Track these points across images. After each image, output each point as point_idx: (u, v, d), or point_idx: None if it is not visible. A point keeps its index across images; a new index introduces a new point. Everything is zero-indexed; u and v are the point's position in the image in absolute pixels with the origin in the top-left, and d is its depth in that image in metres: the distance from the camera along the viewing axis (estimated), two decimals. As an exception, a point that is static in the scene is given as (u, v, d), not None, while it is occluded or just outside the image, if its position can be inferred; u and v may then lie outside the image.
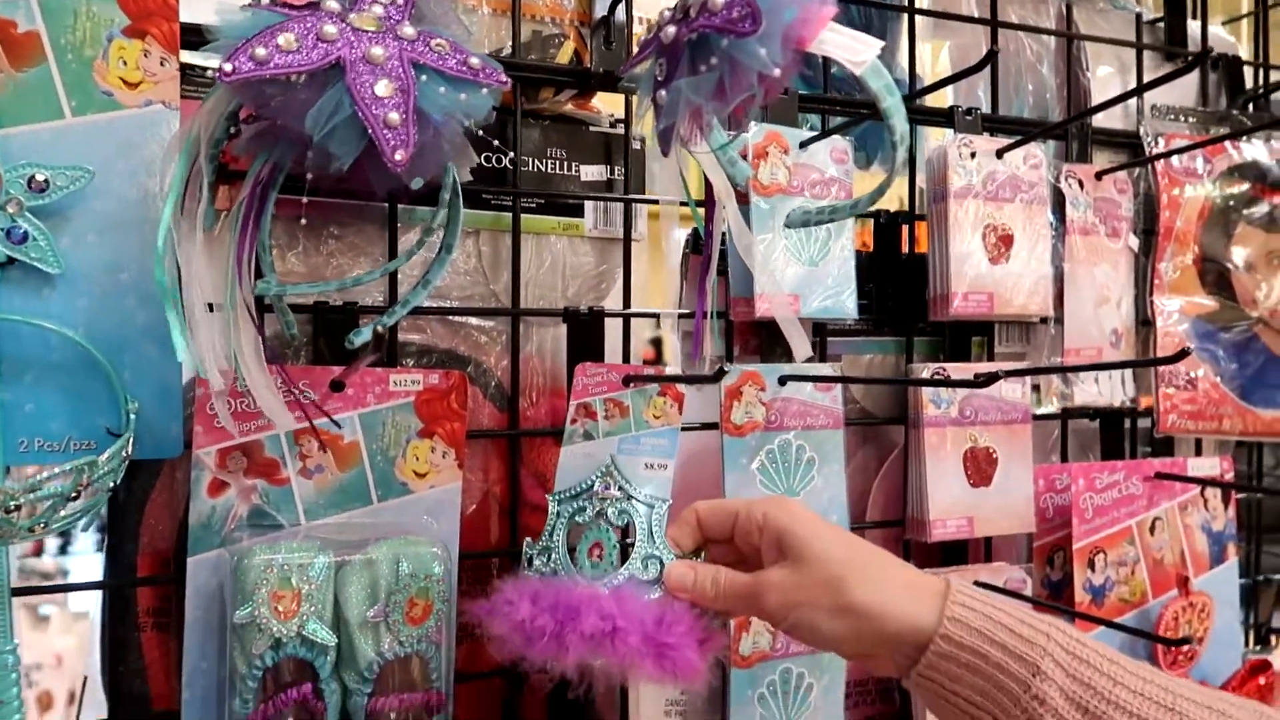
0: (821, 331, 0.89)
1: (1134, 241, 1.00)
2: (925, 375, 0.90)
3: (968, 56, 1.01)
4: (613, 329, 0.83)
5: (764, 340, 0.87)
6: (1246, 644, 1.09)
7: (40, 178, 0.61)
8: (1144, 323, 1.02)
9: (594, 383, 0.74)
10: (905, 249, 0.94)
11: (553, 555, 0.68)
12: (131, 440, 0.63)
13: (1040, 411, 0.98)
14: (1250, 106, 1.12)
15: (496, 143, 0.77)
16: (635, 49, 0.75)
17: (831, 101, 0.89)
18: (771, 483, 0.82)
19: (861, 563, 0.58)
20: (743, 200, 0.81)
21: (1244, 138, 1.05)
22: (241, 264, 0.62)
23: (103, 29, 0.64)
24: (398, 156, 0.55)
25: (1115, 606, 0.94)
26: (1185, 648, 0.95)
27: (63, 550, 3.01)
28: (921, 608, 0.55)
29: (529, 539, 0.70)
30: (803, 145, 0.84)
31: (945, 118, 0.93)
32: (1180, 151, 0.99)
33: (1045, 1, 1.04)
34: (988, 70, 0.98)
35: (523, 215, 0.79)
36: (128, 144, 0.65)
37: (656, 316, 0.83)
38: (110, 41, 0.64)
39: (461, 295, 0.79)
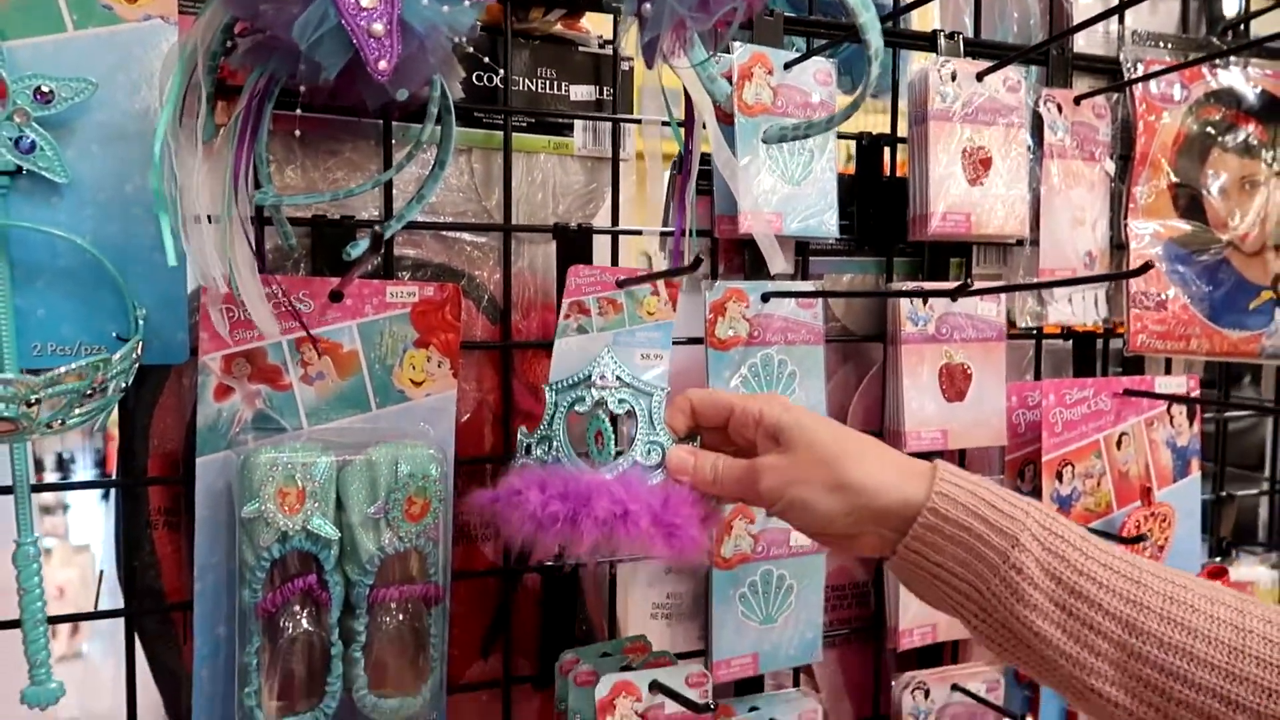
0: (803, 251, 0.92)
1: (1110, 166, 1.03)
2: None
3: (952, -19, 1.02)
4: (601, 247, 0.85)
5: (748, 259, 0.89)
6: (1206, 557, 1.14)
7: (45, 89, 0.63)
8: (1118, 246, 1.05)
9: (587, 283, 0.76)
10: (887, 172, 0.96)
11: (554, 444, 0.69)
12: (140, 344, 0.65)
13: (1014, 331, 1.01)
14: (1229, 34, 1.13)
15: (487, 60, 0.78)
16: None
17: (817, 24, 0.91)
18: (753, 392, 0.86)
19: (856, 446, 0.63)
20: (728, 120, 0.84)
21: (1222, 64, 1.06)
22: (239, 175, 0.65)
23: (100, -58, 0.66)
24: (381, 66, 0.57)
25: (1081, 516, 0.98)
26: (1146, 554, 1.00)
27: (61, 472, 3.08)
28: (911, 485, 0.60)
29: (523, 428, 0.72)
30: (787, 66, 0.86)
31: (929, 41, 0.95)
32: (1158, 75, 1.01)
33: (1030, -74, 1.05)
34: (971, -5, 1.00)
35: (514, 134, 0.81)
36: (128, 57, 0.67)
37: (642, 233, 0.85)
38: (108, -45, 0.66)
39: (455, 211, 0.81)
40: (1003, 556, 0.56)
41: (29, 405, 0.58)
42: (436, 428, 0.77)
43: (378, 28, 0.57)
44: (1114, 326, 1.06)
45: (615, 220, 0.85)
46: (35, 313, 0.66)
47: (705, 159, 0.83)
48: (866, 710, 0.99)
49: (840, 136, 0.91)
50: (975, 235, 0.94)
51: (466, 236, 0.82)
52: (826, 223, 0.88)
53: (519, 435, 0.72)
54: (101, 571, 0.76)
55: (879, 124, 1.00)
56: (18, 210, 0.64)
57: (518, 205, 0.83)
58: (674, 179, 0.88)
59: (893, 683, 0.95)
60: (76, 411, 0.62)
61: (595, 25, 0.87)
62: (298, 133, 0.69)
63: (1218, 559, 1.13)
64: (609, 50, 0.86)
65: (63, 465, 3.18)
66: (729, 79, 0.82)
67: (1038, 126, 0.98)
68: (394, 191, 0.77)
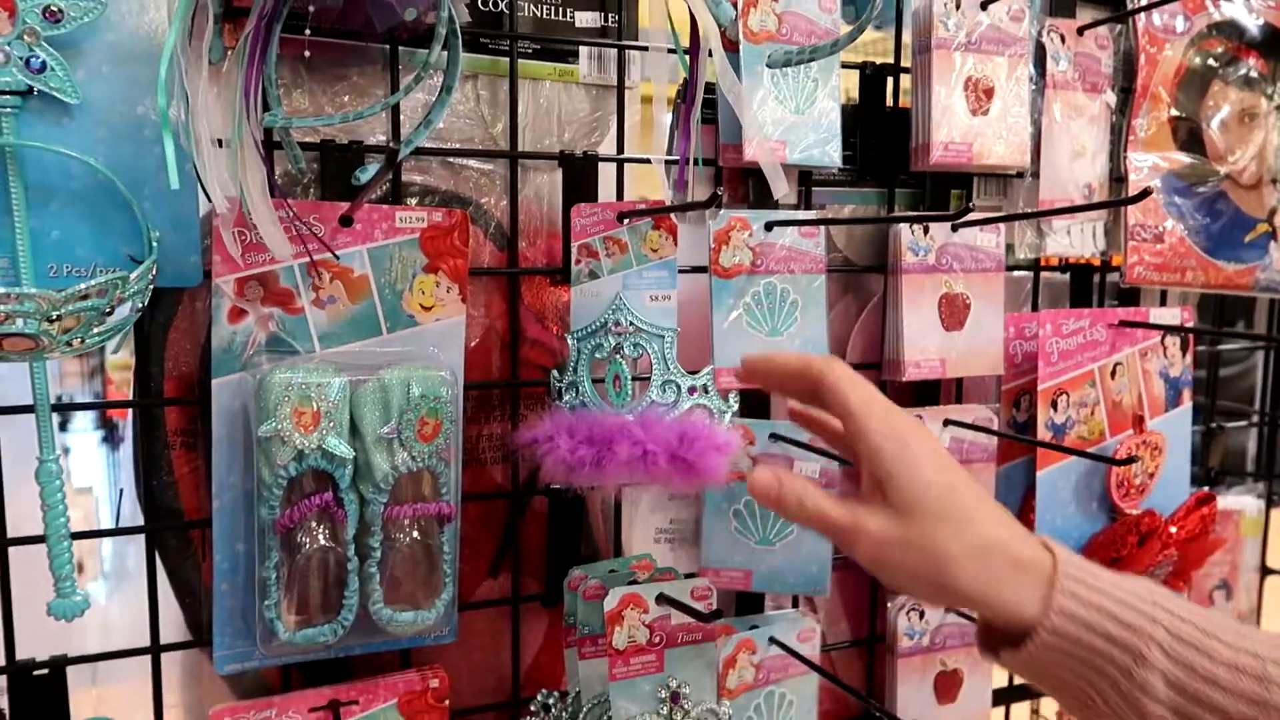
0: (806, 181, 0.93)
1: (1111, 98, 1.03)
2: (904, 225, 0.94)
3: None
4: (606, 176, 0.86)
5: (752, 187, 0.90)
6: (1196, 485, 1.16)
7: (54, 8, 0.63)
8: (1117, 179, 1.06)
9: (590, 223, 0.77)
10: (890, 103, 0.97)
11: (580, 389, 0.74)
12: (155, 265, 0.66)
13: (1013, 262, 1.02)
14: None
15: (494, -16, 0.78)
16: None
17: (822, -48, 0.91)
18: (756, 323, 0.87)
19: (967, 531, 0.54)
20: (733, 48, 0.84)
21: (1225, -4, 1.06)
22: (249, 97, 0.65)
23: None
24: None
25: (1073, 443, 1.00)
26: (1137, 481, 1.02)
27: (62, 428, 3.08)
28: (1026, 594, 0.53)
29: (554, 371, 0.75)
30: (792, -7, 0.86)
31: (933, -30, 0.94)
32: (1161, 4, 1.01)
33: None
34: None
35: (519, 60, 0.81)
36: (136, -24, 0.67)
37: (648, 161, 0.86)
38: (114, -128, 0.65)
39: (461, 138, 0.81)
40: (1125, 673, 0.52)
41: (50, 321, 0.59)
42: (446, 353, 0.78)
43: (386, -56, 0.57)
44: (1110, 260, 1.08)
45: (620, 148, 0.86)
46: (50, 234, 0.67)
47: (710, 89, 0.83)
48: (863, 632, 1.02)
49: (844, 66, 0.91)
50: (976, 166, 0.95)
51: (473, 164, 0.83)
52: (829, 152, 0.89)
53: (551, 378, 0.77)
54: (121, 490, 0.77)
55: (884, 54, 1.00)
56: (30, 131, 0.65)
57: (523, 133, 0.83)
58: (678, 107, 0.88)
59: (888, 605, 0.98)
60: (95, 330, 0.63)
61: (600, -49, 0.86)
62: (307, 54, 0.69)
63: (1205, 488, 1.16)
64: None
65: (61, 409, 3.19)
66: (734, 4, 0.82)
67: (1040, 57, 0.99)
68: (401, 119, 0.78)
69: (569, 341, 0.75)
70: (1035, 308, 1.06)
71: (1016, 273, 1.06)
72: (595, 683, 0.73)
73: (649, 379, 0.75)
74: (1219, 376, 1.25)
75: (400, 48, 0.76)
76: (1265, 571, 1.23)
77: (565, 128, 0.85)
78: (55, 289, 0.62)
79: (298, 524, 0.71)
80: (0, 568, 0.70)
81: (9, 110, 0.63)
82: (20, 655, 0.72)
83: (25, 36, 0.63)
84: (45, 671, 0.71)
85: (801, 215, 0.89)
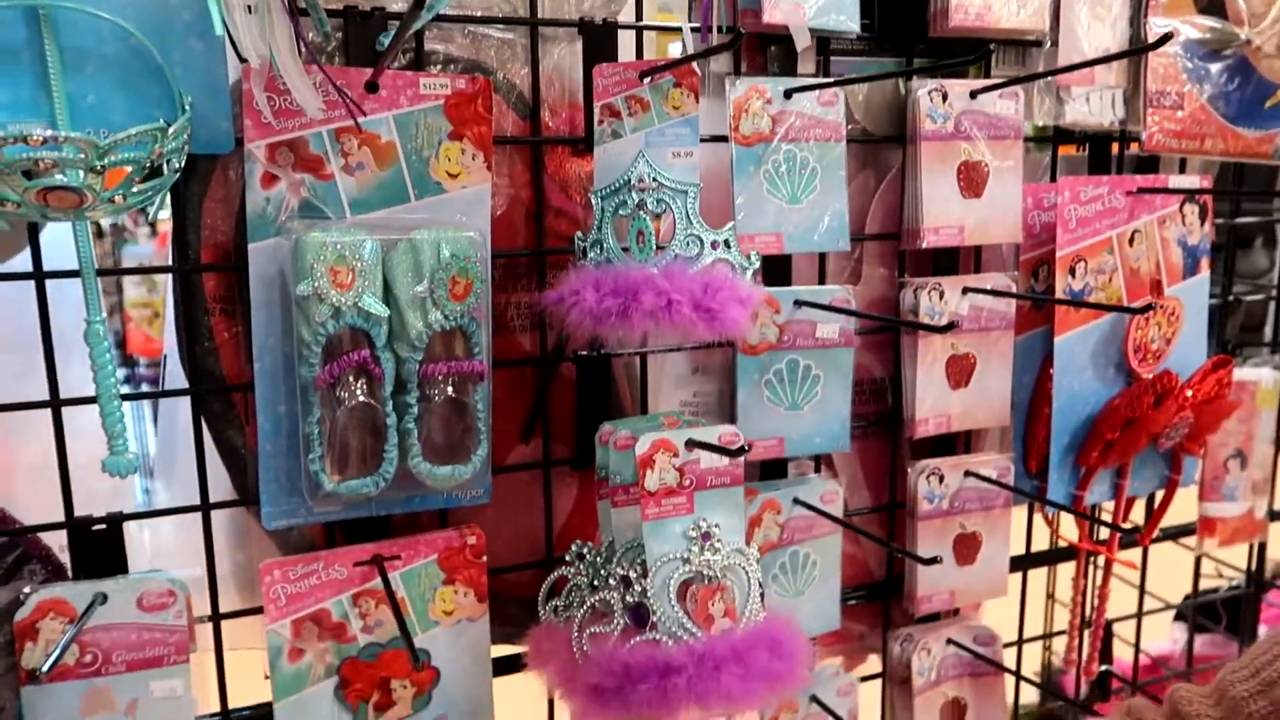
0: (824, 50, 0.93)
1: (1132, -39, 1.02)
2: (923, 93, 0.94)
3: None
4: (625, 46, 0.86)
5: (772, 55, 0.90)
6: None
7: None
8: (1138, 47, 1.05)
9: (612, 82, 0.78)
10: (907, -31, 0.96)
11: (604, 246, 0.75)
12: (190, 127, 0.68)
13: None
14: None
15: None
16: None
17: None
18: (776, 190, 0.88)
19: None
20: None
21: None
22: (276, -42, 0.66)
23: None
24: None
25: (1092, 310, 1.01)
26: (1154, 346, 1.04)
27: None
28: None
29: (579, 232, 0.77)
30: None
31: None
32: None
33: None
34: None
35: (536, -74, 0.81)
36: None
37: (667, 29, 0.86)
38: None
39: (482, 4, 0.82)
40: None
41: (94, 174, 0.61)
42: (473, 220, 0.79)
43: None
44: (1129, 131, 1.07)
45: (639, 15, 0.86)
46: (85, 99, 0.68)
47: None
48: (884, 498, 1.05)
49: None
50: (994, 29, 0.94)
51: (494, 33, 0.83)
52: (847, 17, 0.89)
53: (575, 239, 0.78)
54: (165, 355, 0.80)
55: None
56: (60, -7, 0.66)
57: (543, 1, 0.84)
58: (696, -24, 0.88)
59: (909, 469, 1.00)
60: (136, 188, 0.65)
61: None
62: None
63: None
64: None
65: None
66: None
67: (1060, -80, 0.98)
68: (421, -15, 0.78)
69: (593, 200, 0.76)
70: (1053, 178, 1.06)
71: (1034, 154, 1.06)
72: (628, 530, 0.76)
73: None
74: (1236, 243, 1.24)
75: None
76: (1281, 443, 1.25)
77: (584, -3, 0.86)
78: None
79: (337, 380, 0.74)
80: (56, 428, 0.73)
81: (40, -29, 0.64)
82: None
83: (51, -103, 0.63)
84: (103, 526, 0.75)
85: (820, 82, 0.89)
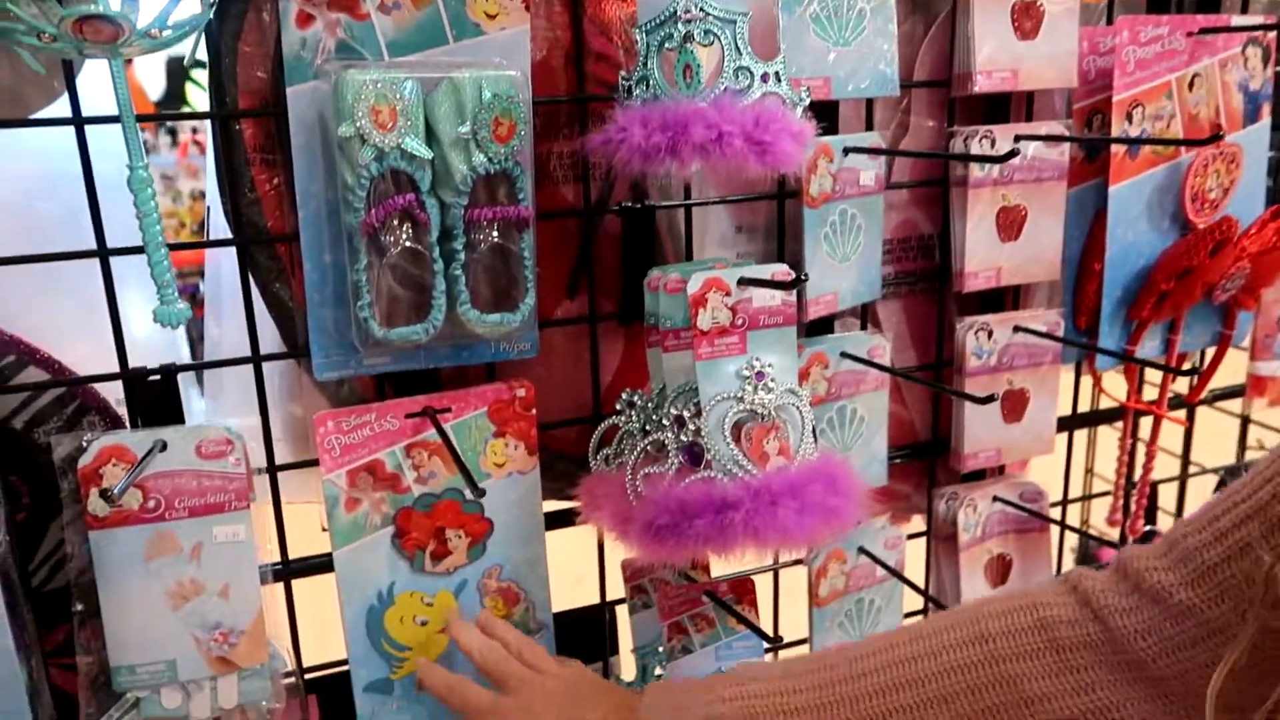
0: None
1: None
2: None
3: None
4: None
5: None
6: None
7: None
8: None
9: (654, -89, 0.74)
10: None
11: (650, 82, 0.72)
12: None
13: None
14: None
15: None
16: None
17: None
18: (824, 31, 0.85)
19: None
20: None
21: None
22: None
23: None
24: None
25: (1148, 158, 0.98)
26: (1211, 195, 1.01)
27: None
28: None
29: (623, 71, 0.74)
30: None
31: None
32: None
33: None
34: None
35: None
36: None
37: None
38: None
39: None
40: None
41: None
42: (512, 61, 0.77)
43: None
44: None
45: None
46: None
47: None
48: (930, 355, 1.04)
49: None
50: None
51: None
52: None
53: (620, 78, 0.75)
54: (209, 207, 0.79)
55: None
56: None
57: None
58: None
59: (957, 325, 0.99)
60: (171, 20, 0.63)
61: None
62: None
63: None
64: None
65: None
66: None
67: None
68: None
69: (637, 35, 0.73)
70: (1110, 20, 1.02)
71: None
72: (679, 374, 0.75)
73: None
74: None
75: None
76: (1335, 305, 1.22)
77: None
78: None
79: (383, 225, 0.73)
80: (105, 279, 0.73)
81: None
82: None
83: None
84: (157, 377, 0.75)
85: (869, -87, 0.85)
